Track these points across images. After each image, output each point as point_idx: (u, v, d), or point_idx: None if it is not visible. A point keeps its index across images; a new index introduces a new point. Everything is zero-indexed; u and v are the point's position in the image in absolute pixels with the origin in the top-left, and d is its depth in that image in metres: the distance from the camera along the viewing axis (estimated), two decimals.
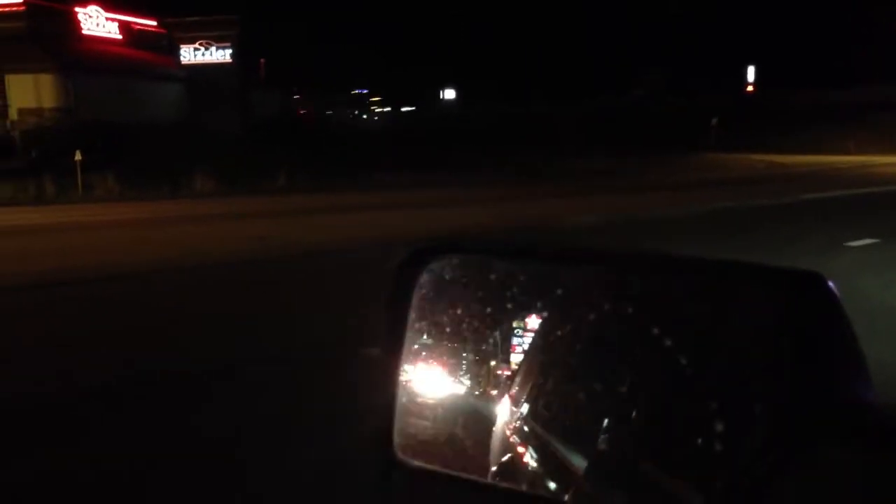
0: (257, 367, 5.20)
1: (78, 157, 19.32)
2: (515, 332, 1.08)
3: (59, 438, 4.03)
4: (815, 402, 0.65)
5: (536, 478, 1.01)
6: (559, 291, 1.05)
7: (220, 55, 39.59)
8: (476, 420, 1.09)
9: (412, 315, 1.01)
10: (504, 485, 1.04)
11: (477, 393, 1.10)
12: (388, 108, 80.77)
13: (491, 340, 1.09)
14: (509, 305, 1.07)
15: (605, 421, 0.90)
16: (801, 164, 30.68)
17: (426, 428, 1.06)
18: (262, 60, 46.07)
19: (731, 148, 36.88)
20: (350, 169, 24.39)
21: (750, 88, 58.55)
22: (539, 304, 1.07)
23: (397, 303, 1.00)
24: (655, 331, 0.87)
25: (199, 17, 39.25)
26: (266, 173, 21.93)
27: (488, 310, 1.08)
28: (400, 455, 0.98)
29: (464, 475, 1.01)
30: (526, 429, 1.06)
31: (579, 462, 0.92)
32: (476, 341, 1.09)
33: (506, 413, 1.09)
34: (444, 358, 1.09)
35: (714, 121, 41.53)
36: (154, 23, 38.93)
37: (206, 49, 39.57)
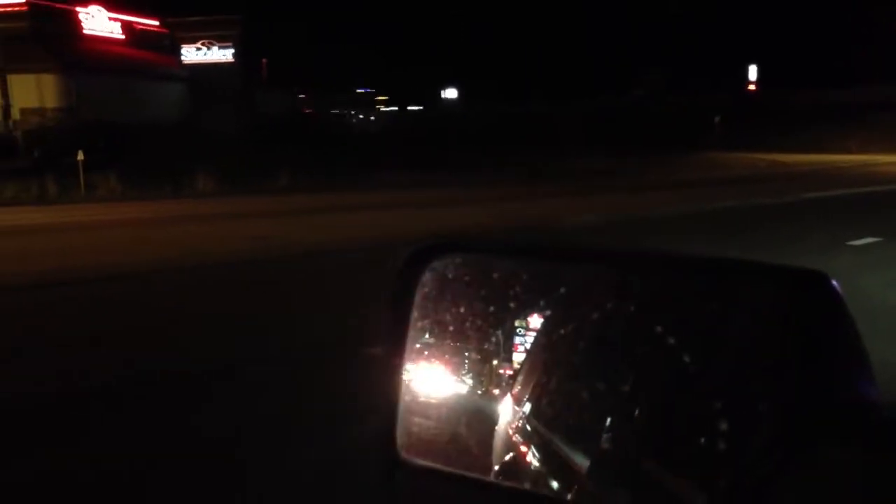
0: (257, 367, 5.20)
1: (80, 156, 19.35)
2: (518, 331, 1.08)
3: (59, 438, 4.03)
4: (819, 400, 0.65)
5: (539, 477, 1.01)
6: (562, 290, 1.05)
7: (221, 55, 39.64)
8: (479, 419, 1.09)
9: (415, 314, 1.01)
10: (507, 484, 1.04)
11: (479, 392, 1.10)
12: (395, 108, 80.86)
13: (493, 339, 1.09)
14: (512, 304, 1.07)
15: (608, 420, 0.90)
16: (803, 162, 30.66)
17: (429, 427, 1.06)
18: (263, 60, 46.13)
19: (733, 147, 36.89)
20: (352, 169, 24.40)
21: (752, 88, 58.55)
22: (542, 303, 1.07)
23: (400, 301, 1.00)
24: (658, 329, 0.87)
25: (201, 17, 39.31)
26: (268, 173, 21.94)
27: (491, 308, 1.08)
28: (403, 454, 0.98)
29: (467, 474, 1.00)
30: (528, 428, 1.06)
31: (582, 461, 0.92)
32: (479, 340, 1.09)
33: (508, 412, 1.09)
34: (447, 357, 1.09)
35: (717, 119, 41.55)
36: (156, 22, 38.99)
37: (208, 49, 39.62)
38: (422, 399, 1.07)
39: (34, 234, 13.02)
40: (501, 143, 36.32)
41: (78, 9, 34.14)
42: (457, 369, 1.09)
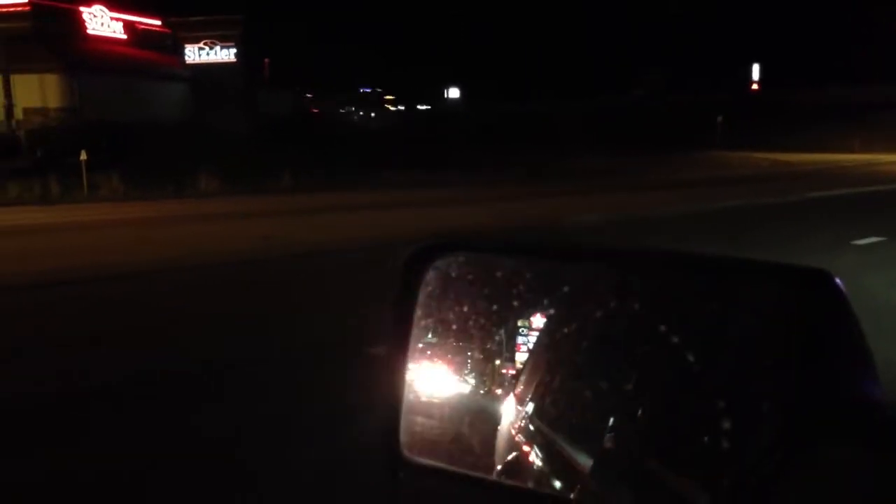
0: (257, 367, 5.20)
1: (83, 156, 19.36)
2: (520, 330, 1.08)
3: (59, 438, 4.03)
4: (823, 399, 0.65)
5: (542, 476, 1.01)
6: (565, 289, 1.04)
7: (224, 55, 39.65)
8: (482, 418, 1.08)
9: (418, 312, 1.01)
10: (510, 483, 1.04)
11: (482, 391, 1.10)
12: (402, 108, 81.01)
13: (497, 338, 1.09)
14: (515, 303, 1.07)
15: (611, 419, 0.90)
16: (806, 162, 30.66)
17: (432, 426, 1.06)
18: (266, 60, 46.16)
19: (735, 146, 36.89)
20: (353, 168, 24.42)
21: (755, 87, 58.55)
22: (545, 302, 1.06)
23: (403, 300, 1.00)
24: (662, 328, 0.87)
25: (204, 17, 39.32)
26: (270, 173, 21.95)
27: (494, 307, 1.07)
28: (406, 453, 0.98)
29: (470, 473, 1.00)
30: (531, 427, 1.05)
31: (585, 460, 0.92)
32: (482, 339, 1.09)
33: (511, 411, 1.09)
34: (450, 356, 1.09)
35: (720, 119, 41.58)
36: (158, 22, 39.00)
37: (211, 48, 39.63)
38: (425, 398, 1.07)
39: (36, 233, 13.04)
40: (502, 142, 36.34)
41: (81, 9, 34.17)
42: (460, 368, 1.09)
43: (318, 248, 10.55)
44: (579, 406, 1.00)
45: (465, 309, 1.08)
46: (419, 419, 1.04)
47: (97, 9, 34.81)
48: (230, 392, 4.73)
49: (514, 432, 1.07)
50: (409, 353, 1.00)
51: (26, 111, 30.26)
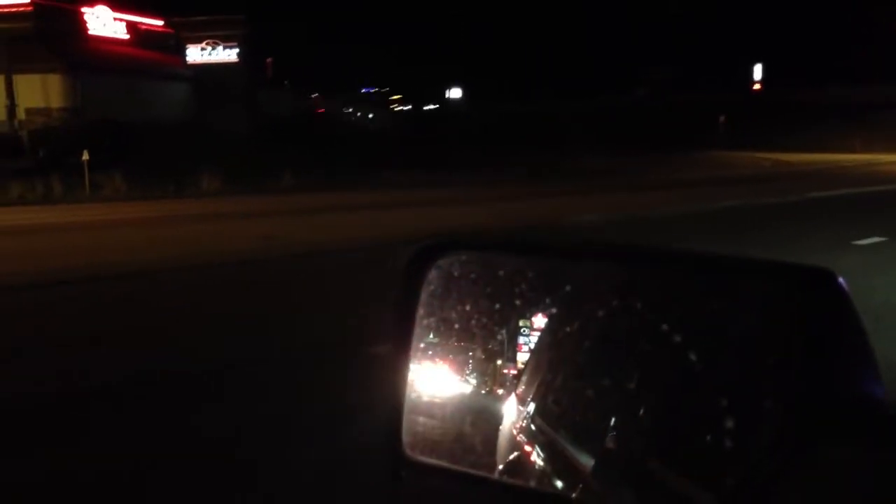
0: (257, 367, 5.20)
1: (85, 156, 19.36)
2: (522, 330, 1.08)
3: (59, 438, 4.03)
4: (825, 398, 0.65)
5: (544, 475, 1.01)
6: (567, 288, 1.04)
7: (226, 55, 39.66)
8: (484, 418, 1.08)
9: (420, 311, 1.01)
10: (511, 482, 1.04)
11: (484, 391, 1.10)
12: (409, 107, 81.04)
13: (499, 338, 1.09)
14: (518, 302, 1.07)
15: (613, 418, 0.90)
16: (807, 162, 30.62)
17: (434, 426, 1.06)
18: (268, 60, 46.16)
19: (737, 146, 36.88)
20: (353, 168, 24.43)
21: (757, 87, 58.54)
22: (547, 301, 1.06)
23: (406, 299, 1.00)
24: (664, 327, 0.87)
25: (206, 17, 39.34)
26: (272, 173, 21.96)
27: (497, 306, 1.07)
28: (408, 452, 0.98)
29: (472, 472, 1.00)
30: (533, 427, 1.05)
31: (587, 460, 0.91)
32: (484, 338, 1.09)
33: (513, 411, 1.09)
34: (452, 356, 1.09)
35: (722, 118, 41.58)
36: (161, 23, 39.02)
37: (213, 49, 39.64)
38: (427, 398, 1.07)
39: (38, 233, 13.04)
40: (503, 142, 36.34)
41: (83, 9, 34.19)
42: (462, 368, 1.09)
43: (318, 247, 10.54)
44: (581, 405, 1.00)
45: (468, 308, 1.08)
46: (421, 419, 1.04)
47: (99, 9, 34.83)
48: (230, 392, 4.73)
49: (515, 432, 1.07)
50: (412, 353, 1.00)
51: (29, 111, 30.28)
